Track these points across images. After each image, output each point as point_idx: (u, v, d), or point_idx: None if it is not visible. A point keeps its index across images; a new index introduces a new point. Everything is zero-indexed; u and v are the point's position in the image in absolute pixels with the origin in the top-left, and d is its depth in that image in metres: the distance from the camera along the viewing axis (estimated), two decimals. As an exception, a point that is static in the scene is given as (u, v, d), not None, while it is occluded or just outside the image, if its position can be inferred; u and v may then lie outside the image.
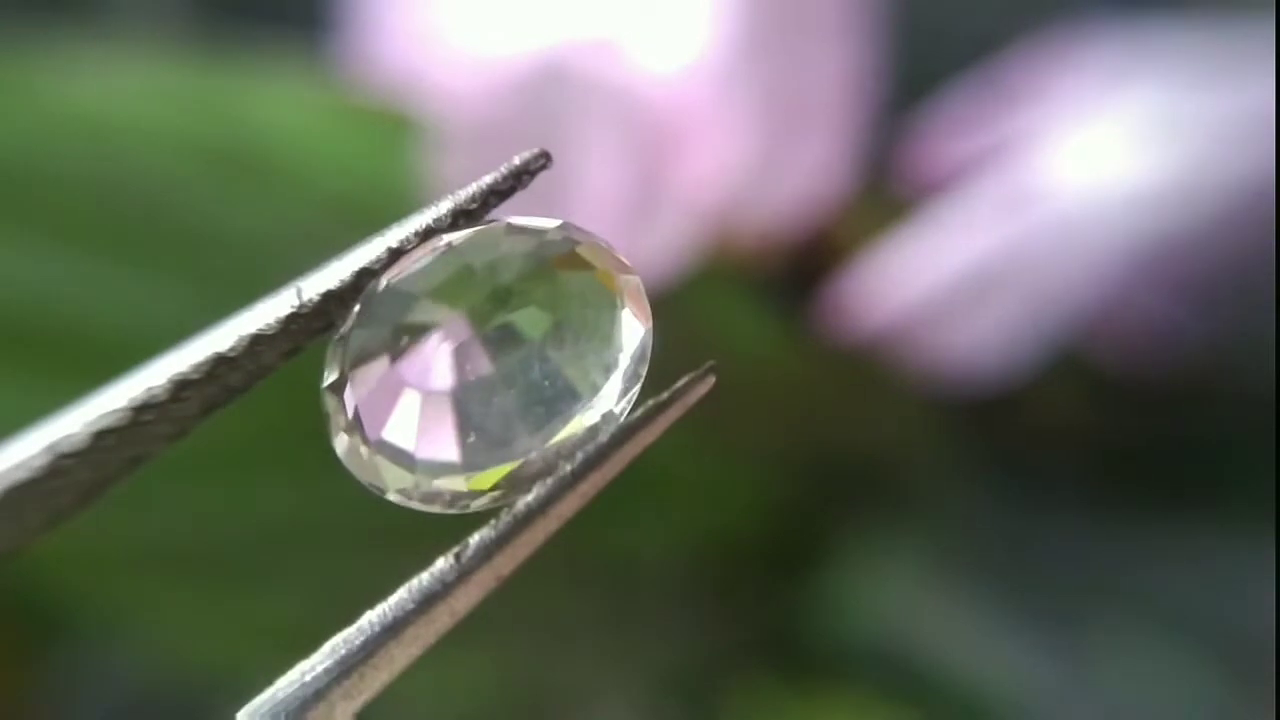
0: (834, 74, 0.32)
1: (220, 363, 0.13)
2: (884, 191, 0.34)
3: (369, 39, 0.33)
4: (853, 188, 0.32)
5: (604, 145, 0.30)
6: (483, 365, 0.13)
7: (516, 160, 0.14)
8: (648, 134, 0.30)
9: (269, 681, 0.14)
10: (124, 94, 0.32)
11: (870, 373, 0.33)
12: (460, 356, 0.13)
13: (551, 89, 0.30)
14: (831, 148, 0.32)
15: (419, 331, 0.13)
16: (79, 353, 0.30)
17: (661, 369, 0.14)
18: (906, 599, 0.34)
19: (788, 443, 0.35)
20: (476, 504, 0.13)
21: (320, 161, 0.32)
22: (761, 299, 0.34)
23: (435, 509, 0.14)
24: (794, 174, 0.32)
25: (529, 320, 0.13)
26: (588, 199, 0.30)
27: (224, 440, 0.32)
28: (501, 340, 0.13)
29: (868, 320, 0.31)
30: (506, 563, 0.13)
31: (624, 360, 0.13)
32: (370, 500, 0.35)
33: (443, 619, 0.13)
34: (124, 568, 0.32)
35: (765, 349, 0.34)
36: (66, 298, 0.31)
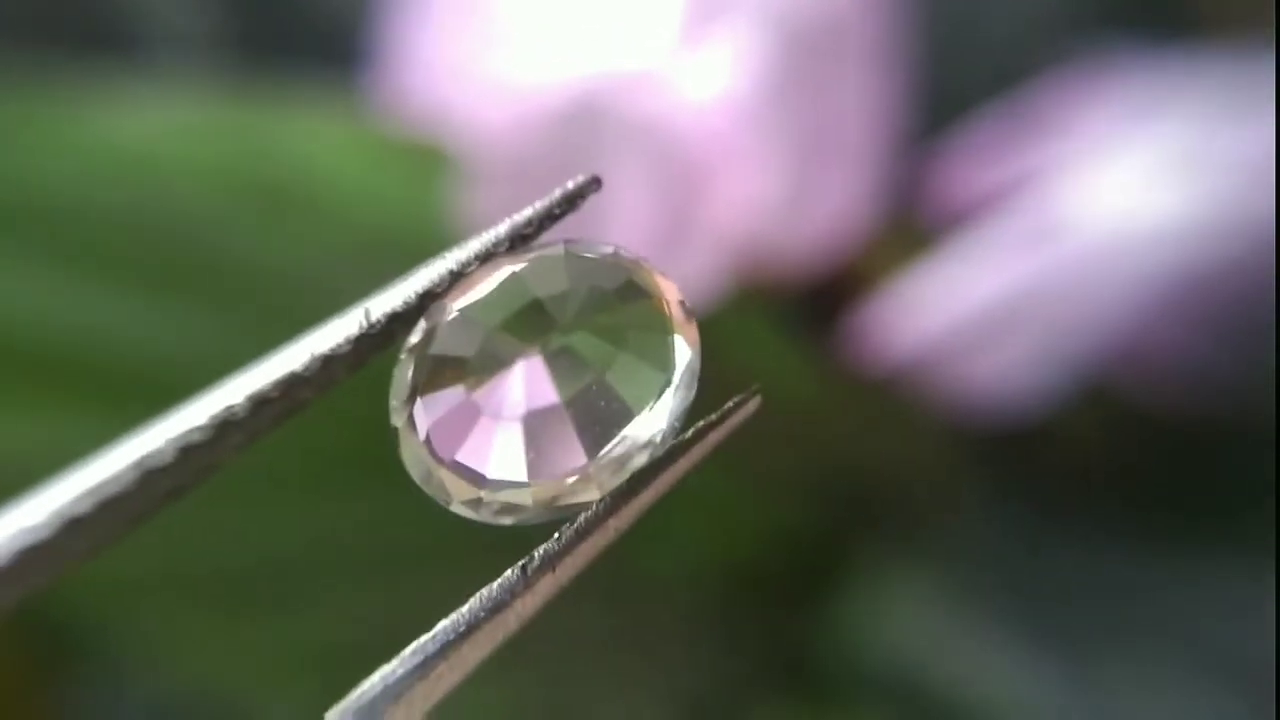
0: (861, 107, 0.32)
1: (295, 381, 0.14)
2: (909, 223, 0.34)
3: (404, 74, 0.33)
4: (879, 219, 0.33)
5: (636, 178, 0.30)
6: (551, 395, 0.14)
7: (569, 185, 0.15)
8: (679, 166, 0.31)
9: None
10: (162, 130, 0.32)
11: (893, 402, 0.34)
12: (531, 387, 0.14)
13: (584, 123, 0.30)
14: (858, 180, 0.32)
15: (493, 363, 0.14)
16: (121, 385, 0.31)
17: (695, 401, 0.14)
18: (923, 625, 0.34)
19: (809, 470, 0.35)
20: (537, 518, 0.14)
21: (356, 196, 0.32)
22: (788, 328, 0.34)
23: (496, 521, 0.14)
24: (821, 206, 0.32)
25: (593, 351, 0.14)
26: (620, 230, 0.30)
27: (245, 467, 0.32)
28: (567, 369, 0.14)
29: (892, 350, 0.32)
30: (566, 572, 0.14)
31: (675, 381, 0.14)
32: (390, 527, 0.35)
33: (509, 623, 0.14)
34: (144, 592, 0.33)
35: (790, 378, 0.34)
36: (107, 331, 0.31)
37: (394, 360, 0.14)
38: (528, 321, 0.14)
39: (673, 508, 0.33)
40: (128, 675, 0.37)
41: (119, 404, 0.31)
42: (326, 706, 0.15)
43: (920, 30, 0.32)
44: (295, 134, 0.33)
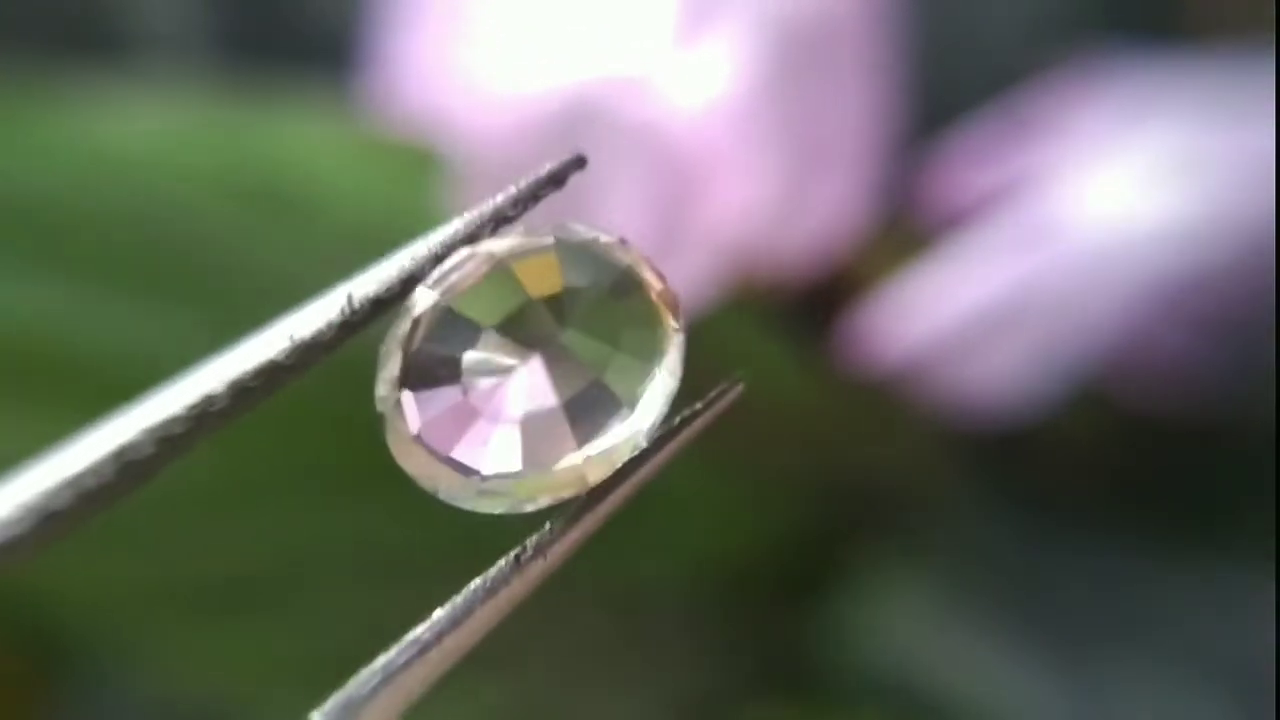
0: (854, 110, 0.32)
1: (275, 369, 0.14)
2: (903, 226, 0.34)
3: (395, 76, 0.33)
4: (873, 222, 0.33)
5: (630, 182, 0.30)
6: (550, 397, 0.14)
7: (553, 164, 0.14)
8: (673, 170, 0.31)
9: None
10: (154, 132, 0.32)
11: (889, 405, 0.34)
12: (530, 389, 0.14)
13: (577, 127, 0.30)
14: (851, 183, 0.32)
15: (490, 366, 0.14)
16: (112, 386, 0.31)
17: (683, 399, 0.15)
18: (918, 627, 0.34)
19: (804, 472, 0.35)
20: (525, 506, 0.14)
21: (347, 198, 0.32)
22: (783, 331, 0.34)
23: (484, 510, 0.14)
24: (816, 209, 0.32)
25: (590, 351, 0.14)
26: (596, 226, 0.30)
27: (236, 473, 0.32)
28: (565, 371, 0.14)
29: (888, 353, 0.32)
30: (556, 559, 0.14)
31: (665, 371, 0.14)
32: (380, 533, 0.35)
33: (502, 608, 0.14)
34: (136, 599, 0.33)
35: (784, 381, 0.34)
36: (97, 333, 0.31)
37: (374, 349, 0.14)
38: (523, 322, 0.14)
39: (668, 509, 0.33)
40: (119, 682, 0.37)
41: (109, 405, 0.31)
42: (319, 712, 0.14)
43: (915, 33, 0.32)
44: (287, 137, 0.33)
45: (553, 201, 0.15)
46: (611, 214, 0.30)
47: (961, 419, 0.32)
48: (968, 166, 0.33)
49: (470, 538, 0.22)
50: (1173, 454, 0.34)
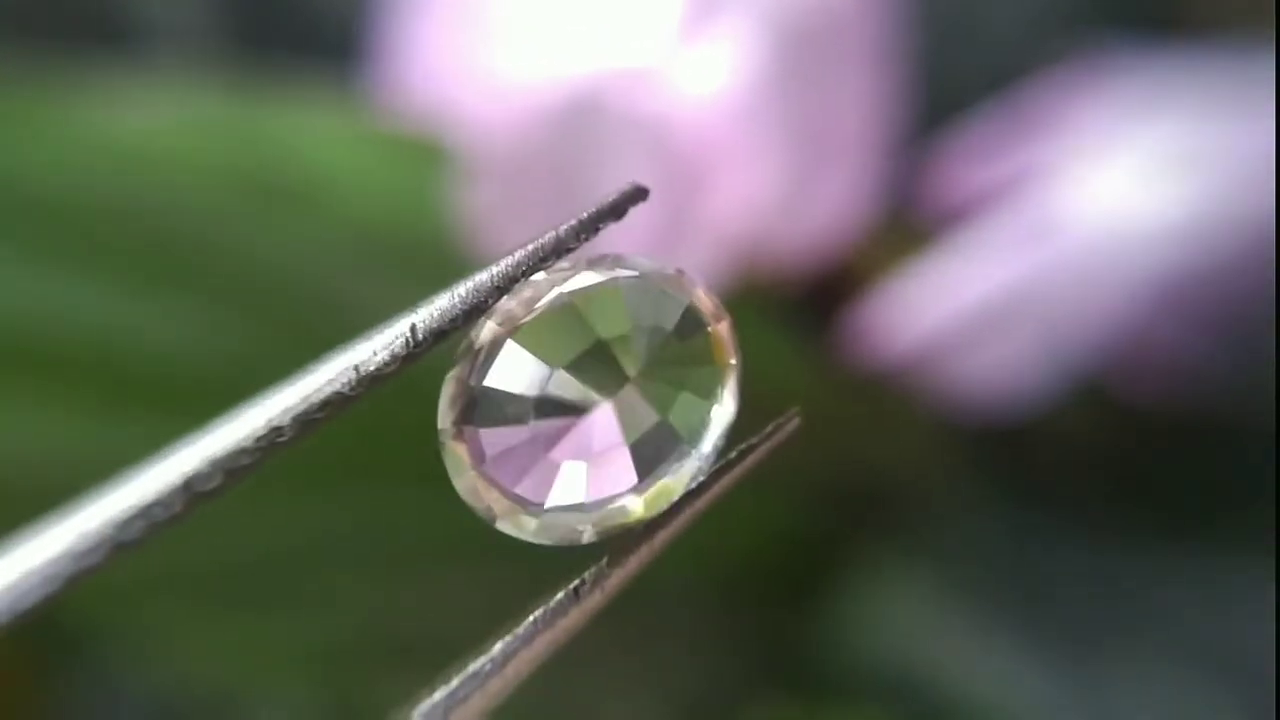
0: (858, 104, 0.32)
1: (339, 400, 0.14)
2: (906, 220, 0.34)
3: (401, 69, 0.33)
4: (876, 216, 0.33)
5: (633, 174, 0.30)
6: (617, 439, 0.14)
7: (613, 195, 0.15)
8: (677, 163, 0.31)
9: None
10: (159, 125, 0.32)
11: (889, 399, 0.34)
12: (597, 432, 0.14)
13: (582, 119, 0.30)
14: (855, 177, 0.32)
15: (559, 408, 0.14)
16: (117, 380, 0.31)
17: None
18: (920, 623, 0.34)
19: (806, 467, 0.35)
20: (583, 540, 0.15)
21: (353, 191, 0.32)
22: (784, 325, 0.34)
23: (538, 540, 0.14)
24: (818, 203, 0.32)
25: (656, 394, 0.14)
26: (617, 227, 0.30)
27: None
28: (632, 414, 0.14)
29: (888, 347, 0.32)
30: (611, 590, 0.15)
31: (723, 404, 0.15)
32: (389, 524, 0.35)
33: (559, 640, 0.15)
34: (142, 590, 0.33)
35: (787, 375, 0.34)
36: (102, 327, 0.31)
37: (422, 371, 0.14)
38: (593, 363, 0.14)
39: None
40: (125, 673, 0.37)
41: (115, 399, 0.31)
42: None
43: (918, 27, 0.33)
44: (292, 129, 0.32)
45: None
46: (645, 252, 0.30)
47: (963, 413, 0.33)
48: (970, 161, 0.34)
49: (477, 532, 0.22)
50: (1173, 449, 0.34)
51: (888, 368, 0.32)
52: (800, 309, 0.34)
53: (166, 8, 0.38)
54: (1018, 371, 0.32)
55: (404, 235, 0.31)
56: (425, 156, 0.32)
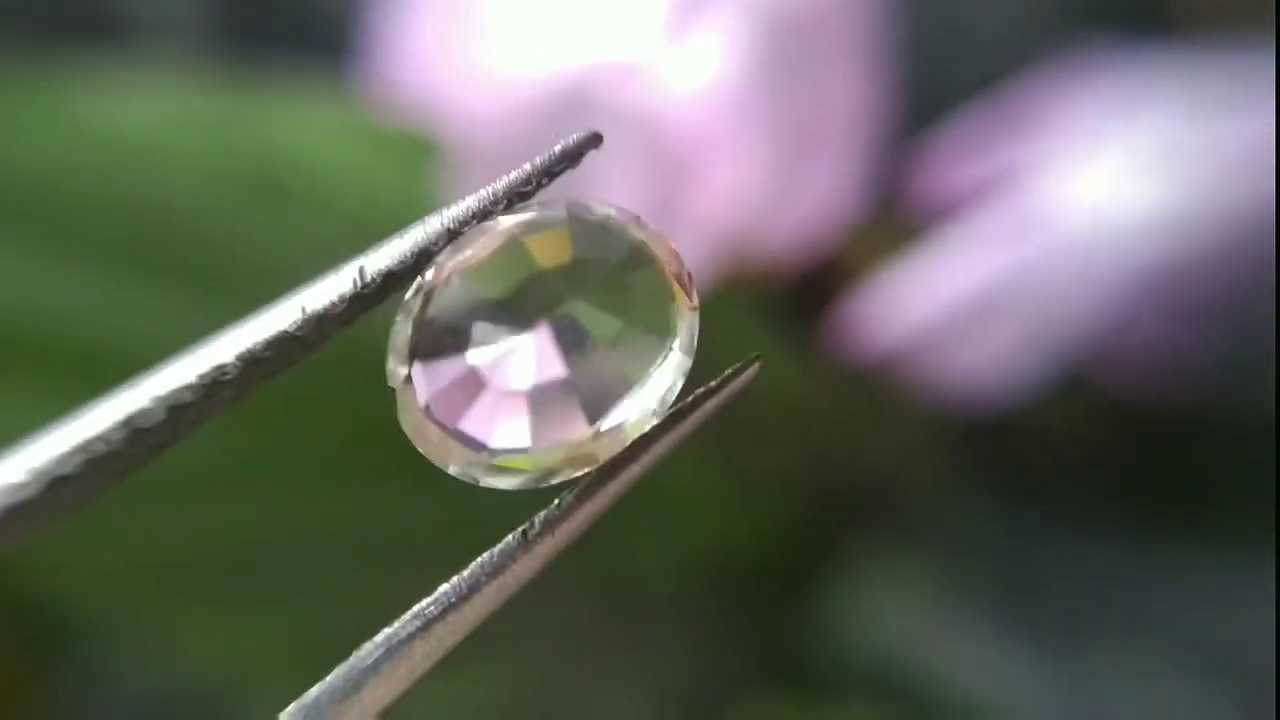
0: (846, 99, 0.32)
1: (286, 340, 0.14)
2: (893, 216, 0.34)
3: (393, 63, 0.34)
4: (863, 211, 0.33)
5: (622, 168, 0.31)
6: (558, 368, 0.14)
7: (569, 141, 0.14)
8: (665, 158, 0.31)
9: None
10: (152, 118, 0.32)
11: (877, 394, 0.34)
12: (538, 360, 0.14)
13: (571, 112, 0.31)
14: (842, 172, 0.33)
15: (498, 335, 0.14)
16: (110, 371, 0.31)
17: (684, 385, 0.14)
18: (910, 619, 0.34)
19: (794, 462, 0.35)
20: (534, 483, 0.14)
21: (345, 184, 0.32)
22: (772, 320, 0.34)
23: (492, 485, 0.14)
24: (806, 198, 0.32)
25: (598, 323, 0.14)
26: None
27: (237, 455, 0.32)
28: (573, 342, 0.14)
29: (877, 342, 0.32)
30: (564, 537, 0.14)
31: (676, 349, 0.14)
32: (383, 516, 0.35)
33: (509, 586, 0.14)
34: (136, 584, 0.33)
35: (775, 369, 0.34)
36: (97, 319, 0.31)
37: (386, 328, 0.14)
38: (532, 293, 0.14)
39: (659, 502, 0.33)
40: (122, 669, 0.37)
41: (106, 388, 0.31)
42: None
43: (905, 23, 0.33)
44: (285, 123, 0.33)
45: (558, 182, 0.15)
46: (605, 198, 0.30)
47: (951, 407, 0.33)
48: (958, 157, 0.34)
49: (474, 522, 0.23)
50: (1162, 443, 0.34)
51: (876, 362, 0.32)
52: (788, 303, 0.34)
53: (160, 3, 0.39)
54: (1006, 366, 0.32)
55: (395, 226, 0.31)
56: (416, 150, 0.32)
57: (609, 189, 0.30)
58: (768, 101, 0.32)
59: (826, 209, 0.33)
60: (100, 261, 0.31)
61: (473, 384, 0.14)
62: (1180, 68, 0.33)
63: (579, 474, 0.14)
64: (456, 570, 0.14)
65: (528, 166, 0.14)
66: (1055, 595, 0.34)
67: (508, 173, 0.15)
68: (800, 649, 0.35)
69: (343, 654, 0.15)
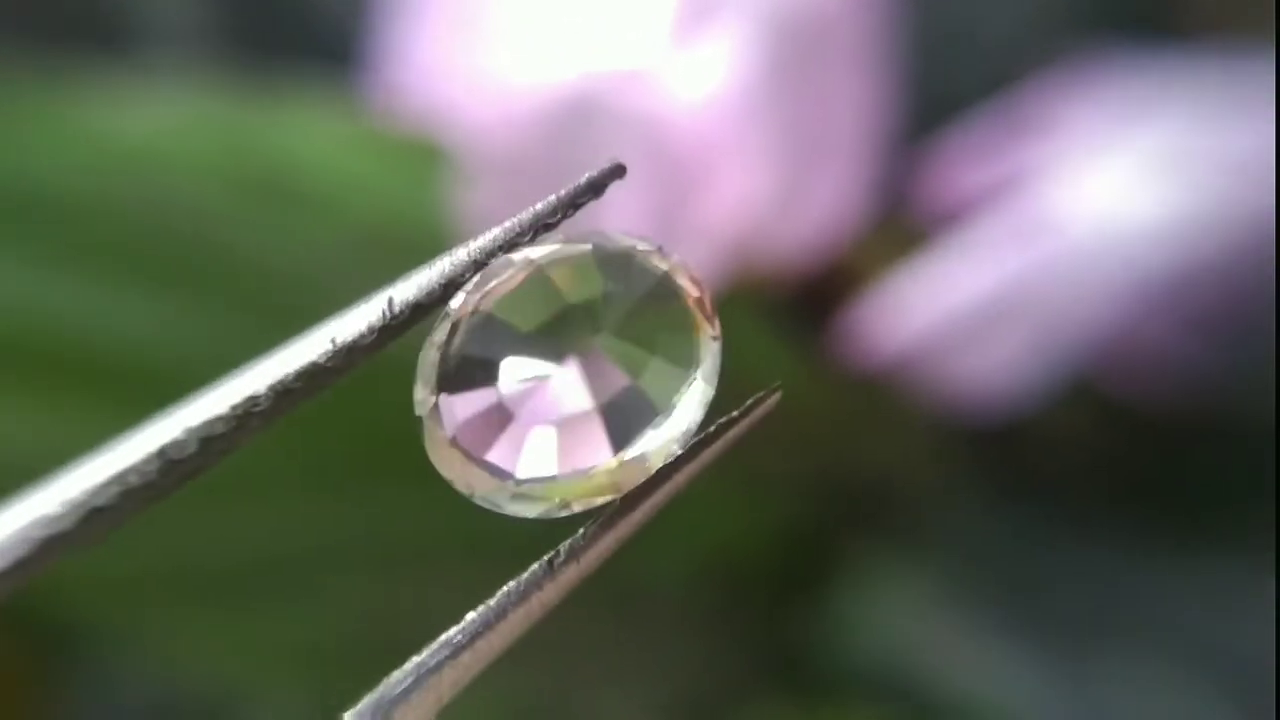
0: (852, 105, 0.32)
1: (317, 371, 0.14)
2: (899, 221, 0.34)
3: (399, 70, 0.34)
4: (869, 217, 0.33)
5: (629, 175, 0.31)
6: (585, 402, 0.14)
7: (593, 172, 0.15)
8: (671, 164, 0.31)
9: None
10: (158, 125, 0.32)
11: (883, 399, 0.34)
12: (563, 393, 0.14)
13: (577, 120, 0.31)
14: (849, 178, 0.33)
15: (526, 369, 0.14)
16: (116, 379, 0.31)
17: None
18: (914, 623, 0.34)
19: (800, 466, 0.35)
20: (559, 512, 0.14)
21: (351, 192, 0.32)
22: (779, 325, 0.34)
23: (517, 514, 0.14)
24: (812, 204, 0.32)
25: (625, 356, 0.14)
26: (611, 226, 0.30)
27: (239, 463, 0.32)
28: (600, 376, 0.14)
29: (882, 347, 0.32)
30: (588, 565, 0.15)
31: (700, 379, 0.14)
32: (389, 523, 0.35)
33: (534, 613, 0.15)
34: (141, 589, 0.33)
35: (781, 375, 0.34)
36: (101, 326, 0.31)
37: (403, 352, 0.15)
38: (558, 325, 0.14)
39: (666, 505, 0.33)
40: (124, 672, 0.37)
41: (113, 398, 0.31)
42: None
43: (912, 28, 0.33)
44: (291, 130, 0.33)
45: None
46: (611, 207, 0.30)
47: (957, 413, 0.33)
48: (964, 162, 0.34)
49: (479, 530, 0.23)
50: (1166, 448, 0.35)
51: (882, 367, 0.32)
52: (795, 309, 0.34)
53: (165, 9, 0.38)
54: (1012, 371, 0.32)
55: (402, 236, 0.32)
56: (422, 157, 0.32)
57: (615, 197, 0.30)
58: (774, 108, 0.32)
59: (833, 215, 0.33)
60: (106, 269, 0.31)
61: (500, 415, 0.14)
62: (1187, 73, 0.33)
63: (601, 502, 0.14)
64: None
65: (553, 198, 0.15)
66: (1059, 599, 0.34)
67: (521, 187, 0.15)
68: (805, 652, 0.35)
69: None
